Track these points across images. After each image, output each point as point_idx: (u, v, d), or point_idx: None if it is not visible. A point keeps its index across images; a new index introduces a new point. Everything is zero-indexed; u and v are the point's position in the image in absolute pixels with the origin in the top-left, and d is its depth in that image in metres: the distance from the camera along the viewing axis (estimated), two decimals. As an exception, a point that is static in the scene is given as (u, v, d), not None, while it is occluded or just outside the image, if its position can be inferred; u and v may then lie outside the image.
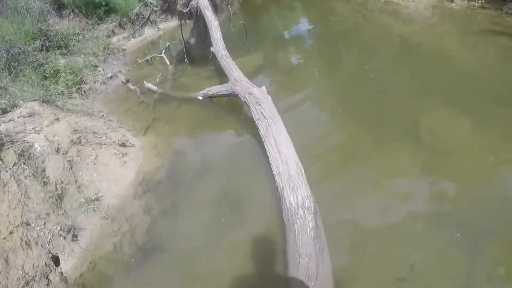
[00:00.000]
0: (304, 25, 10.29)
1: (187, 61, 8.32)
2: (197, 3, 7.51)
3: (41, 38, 8.70)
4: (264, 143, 4.42)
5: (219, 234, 4.09)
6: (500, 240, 3.46)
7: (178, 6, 7.83)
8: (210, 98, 6.28)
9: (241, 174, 4.83)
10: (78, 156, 5.11)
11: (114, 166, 5.09)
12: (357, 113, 5.60)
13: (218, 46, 6.84)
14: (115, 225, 4.47)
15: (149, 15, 9.31)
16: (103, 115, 6.51)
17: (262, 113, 4.70)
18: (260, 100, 4.93)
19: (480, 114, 5.08)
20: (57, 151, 5.01)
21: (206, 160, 5.20)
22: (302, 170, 3.84)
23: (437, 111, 5.29)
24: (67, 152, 5.09)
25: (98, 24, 10.82)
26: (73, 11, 10.74)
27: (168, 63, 8.32)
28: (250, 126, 5.20)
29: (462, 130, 4.94)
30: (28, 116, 5.68)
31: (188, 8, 7.67)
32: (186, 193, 4.71)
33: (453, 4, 8.70)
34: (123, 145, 5.41)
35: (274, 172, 3.94)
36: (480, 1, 8.28)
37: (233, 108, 6.13)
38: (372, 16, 9.56)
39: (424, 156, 4.59)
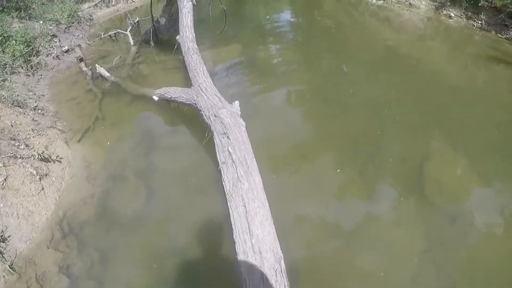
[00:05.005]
0: (287, 17, 8.38)
1: (153, 44, 6.44)
2: (171, -22, 5.50)
3: (-4, -5, 6.60)
4: (229, 205, 2.59)
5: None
6: None
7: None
8: (167, 101, 4.52)
9: (198, 221, 3.14)
10: (-19, 172, 3.37)
11: (28, 194, 3.39)
12: (338, 144, 4.00)
13: (186, 35, 4.97)
14: (22, 286, 2.83)
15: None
16: (36, 106, 4.68)
17: (230, 153, 2.85)
18: (229, 130, 3.11)
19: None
20: (-47, 162, 3.29)
21: (153, 192, 3.49)
22: (282, 262, 2.23)
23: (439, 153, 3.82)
24: (-35, 165, 3.36)
25: (70, -14, 8.65)
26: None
27: (132, 43, 6.39)
28: (215, 154, 3.22)
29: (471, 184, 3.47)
30: None
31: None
32: (121, 241, 3.09)
33: (451, 20, 7.05)
34: (45, 160, 3.70)
35: (239, 259, 2.29)
36: (480, 22, 6.66)
37: (196, 120, 4.18)
38: (361, 19, 7.79)
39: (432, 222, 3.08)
